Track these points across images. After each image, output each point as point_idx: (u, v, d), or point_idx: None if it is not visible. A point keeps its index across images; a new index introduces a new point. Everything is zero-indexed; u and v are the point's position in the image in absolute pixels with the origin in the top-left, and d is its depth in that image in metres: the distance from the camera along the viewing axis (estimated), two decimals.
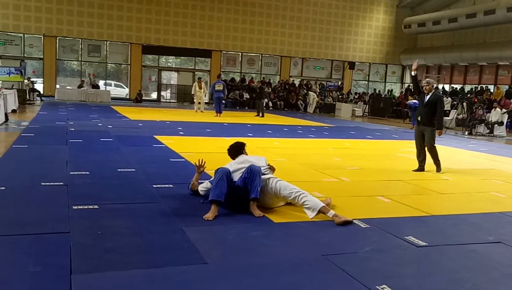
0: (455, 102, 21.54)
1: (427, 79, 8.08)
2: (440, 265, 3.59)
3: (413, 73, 8.04)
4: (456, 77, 27.89)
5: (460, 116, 19.21)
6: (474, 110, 17.59)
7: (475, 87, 25.30)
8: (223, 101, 19.54)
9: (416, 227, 4.57)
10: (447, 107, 21.29)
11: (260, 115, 19.07)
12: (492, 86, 24.65)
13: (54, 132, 10.20)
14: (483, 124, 17.23)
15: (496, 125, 17.07)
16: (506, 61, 23.18)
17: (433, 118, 7.73)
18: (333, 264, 3.46)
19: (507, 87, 24.03)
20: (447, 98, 22.34)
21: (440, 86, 27.17)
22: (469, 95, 22.88)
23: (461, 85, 26.94)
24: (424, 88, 7.84)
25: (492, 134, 16.91)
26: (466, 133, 16.85)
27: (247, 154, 5.40)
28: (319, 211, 4.53)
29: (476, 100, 18.75)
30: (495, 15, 21.82)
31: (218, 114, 17.83)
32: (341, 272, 3.32)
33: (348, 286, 3.12)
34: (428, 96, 7.75)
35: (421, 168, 7.90)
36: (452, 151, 11.33)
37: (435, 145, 7.85)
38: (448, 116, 19.61)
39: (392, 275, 3.32)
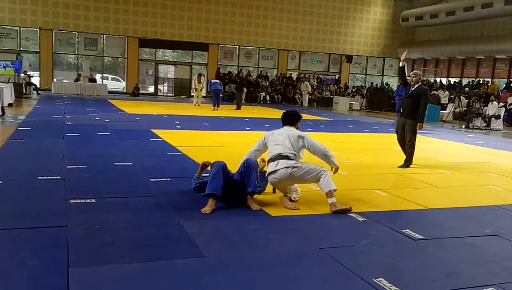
0: (452, 96, 21.57)
1: (415, 71, 7.78)
2: (437, 258, 3.61)
3: (401, 64, 7.78)
4: (453, 71, 27.91)
5: (457, 110, 19.22)
6: (471, 103, 17.62)
7: (472, 80, 25.33)
8: (220, 95, 19.67)
9: (413, 220, 4.59)
10: (444, 100, 21.34)
11: (236, 107, 19.10)
12: (489, 79, 24.69)
13: (51, 126, 10.17)
14: (480, 118, 17.26)
15: (493, 119, 17.11)
16: (503, 54, 23.20)
17: (416, 111, 7.38)
18: (331, 257, 3.47)
19: (503, 80, 24.06)
20: (444, 91, 22.36)
21: (438, 80, 27.19)
22: (466, 89, 22.89)
23: (458, 79, 26.95)
24: (410, 79, 7.58)
25: (489, 128, 16.94)
26: (463, 126, 16.88)
27: (296, 129, 5.12)
28: (327, 192, 4.69)
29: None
30: (492, 8, 21.80)
31: (216, 107, 17.89)
32: (339, 265, 3.33)
33: (345, 279, 3.13)
34: (413, 88, 7.47)
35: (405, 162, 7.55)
36: (449, 144, 11.35)
37: (415, 141, 7.51)
38: (445, 110, 19.65)
39: (389, 268, 3.33)
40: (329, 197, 4.69)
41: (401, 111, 7.71)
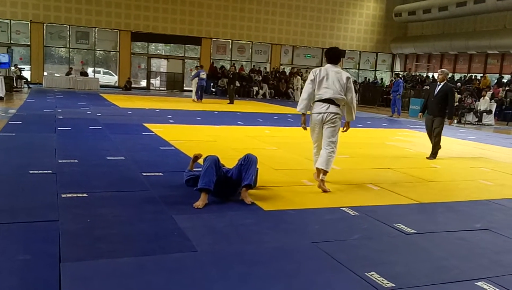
0: (426, 87, 21.64)
1: (442, 69, 8.31)
2: (428, 252, 3.63)
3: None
4: (445, 66, 27.96)
5: None
6: (463, 98, 17.71)
7: (465, 75, 25.45)
8: (213, 89, 19.96)
9: (405, 214, 4.61)
10: None
11: (229, 102, 19.14)
12: (481, 74, 24.82)
13: (42, 119, 10.09)
14: (471, 113, 17.36)
15: (484, 114, 17.21)
16: (495, 50, 23.32)
17: (444, 108, 8.00)
18: (323, 251, 3.48)
19: (495, 75, 24.19)
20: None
21: (430, 75, 27.29)
22: (458, 84, 23.00)
23: (451, 74, 27.08)
24: (437, 77, 8.17)
25: (481, 123, 17.05)
26: (455, 121, 16.97)
27: (339, 70, 5.47)
28: (318, 168, 5.33)
29: (464, 88, 18.86)
30: (485, 4, 21.88)
31: (199, 100, 18.78)
32: (331, 260, 3.34)
33: (338, 273, 3.14)
34: (439, 86, 8.01)
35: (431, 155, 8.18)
36: (441, 139, 11.39)
37: (441, 134, 8.14)
38: None
39: (381, 262, 3.34)
40: (323, 174, 5.29)
41: (429, 109, 8.24)
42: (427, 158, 8.09)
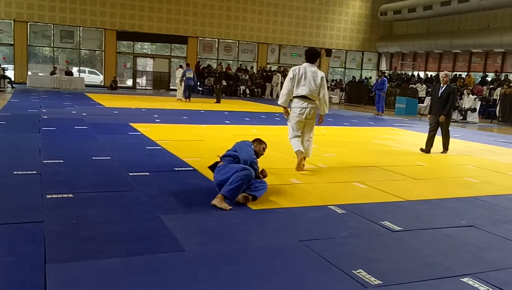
0: (429, 89, 21.84)
1: (445, 72, 9.19)
2: (414, 249, 3.66)
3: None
4: (430, 64, 28.28)
5: None
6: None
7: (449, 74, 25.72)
8: (200, 88, 19.84)
9: (391, 212, 4.64)
10: (422, 94, 21.64)
11: (216, 101, 19.13)
12: (466, 73, 25.09)
13: (26, 120, 9.97)
14: (456, 111, 17.53)
15: (469, 112, 17.40)
16: (479, 48, 23.59)
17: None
18: (311, 249, 3.49)
19: (479, 74, 24.48)
20: (422, 85, 22.65)
21: (416, 73, 27.52)
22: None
23: (435, 72, 27.33)
24: (442, 79, 8.86)
25: (465, 121, 17.24)
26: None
27: (316, 69, 6.12)
28: (302, 155, 6.13)
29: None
30: (469, 3, 22.12)
31: (187, 100, 18.66)
32: (318, 258, 3.35)
33: (325, 271, 3.15)
34: (443, 88, 8.69)
35: (427, 150, 8.78)
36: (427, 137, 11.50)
37: (449, 130, 8.96)
38: (423, 103, 19.90)
39: (368, 260, 3.36)
40: (304, 159, 6.15)
41: (433, 109, 8.91)
42: (442, 152, 8.80)
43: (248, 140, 5.02)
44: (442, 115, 8.65)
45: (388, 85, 19.86)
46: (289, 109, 6.31)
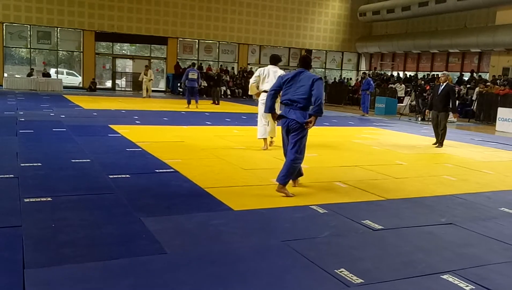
0: (408, 89, 22.12)
1: (444, 72, 10.14)
2: (395, 247, 3.70)
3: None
4: (409, 64, 28.63)
5: (414, 103, 19.75)
6: (426, 96, 18.12)
7: (427, 74, 26.07)
8: (180, 89, 19.59)
9: (372, 211, 4.68)
10: (401, 93, 21.90)
11: (216, 102, 19.02)
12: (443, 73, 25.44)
13: (3, 122, 9.77)
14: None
15: (428, 111, 17.60)
16: (456, 48, 23.96)
17: (446, 105, 9.51)
18: (293, 249, 3.50)
19: (456, 74, 24.87)
20: (401, 85, 22.92)
21: (395, 73, 27.83)
22: (422, 82, 23.55)
23: (414, 72, 27.69)
24: (440, 78, 9.73)
25: None
26: (419, 119, 17.36)
27: (277, 69, 7.79)
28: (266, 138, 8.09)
29: (428, 86, 19.31)
30: (446, 4, 22.46)
31: (189, 105, 16.51)
32: (301, 257, 3.36)
33: (308, 270, 3.16)
34: (442, 87, 9.47)
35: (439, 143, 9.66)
36: (406, 136, 11.66)
37: (446, 126, 9.70)
38: (402, 103, 20.15)
39: (350, 259, 3.39)
40: (272, 139, 8.21)
41: (433, 106, 9.75)
42: (435, 145, 9.65)
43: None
44: (453, 112, 9.77)
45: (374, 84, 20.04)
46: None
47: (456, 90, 18.39)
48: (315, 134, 11.40)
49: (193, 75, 16.76)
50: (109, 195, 4.71)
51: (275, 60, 8.05)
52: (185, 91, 17.53)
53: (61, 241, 3.41)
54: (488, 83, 19.37)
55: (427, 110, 10.30)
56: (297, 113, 5.01)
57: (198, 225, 3.96)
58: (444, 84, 9.47)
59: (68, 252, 3.22)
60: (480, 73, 23.53)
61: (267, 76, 7.80)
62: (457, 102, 9.90)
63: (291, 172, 5.04)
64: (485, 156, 8.97)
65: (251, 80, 8.09)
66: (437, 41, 24.66)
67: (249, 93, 8.53)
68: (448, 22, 25.26)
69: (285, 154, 5.29)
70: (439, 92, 9.50)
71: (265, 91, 7.47)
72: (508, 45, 20.39)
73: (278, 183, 4.99)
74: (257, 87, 7.97)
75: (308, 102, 5.00)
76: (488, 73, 22.59)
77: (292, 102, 5.02)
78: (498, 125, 15.01)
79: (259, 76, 7.94)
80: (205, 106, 17.82)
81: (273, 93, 5.22)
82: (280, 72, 7.65)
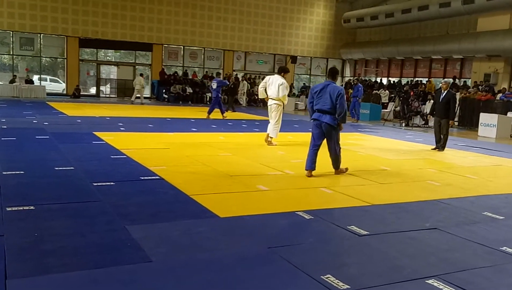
0: (392, 95, 22.34)
1: (445, 79, 10.68)
2: (381, 253, 3.71)
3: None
4: (393, 71, 28.93)
5: (398, 108, 19.94)
6: (410, 102, 18.33)
7: (411, 80, 26.36)
8: (165, 96, 19.42)
9: (358, 216, 4.71)
10: (385, 99, 22.10)
11: (232, 109, 19.50)
12: (426, 79, 25.78)
13: None
14: (418, 116, 17.98)
15: (430, 116, 17.83)
16: (439, 55, 24.28)
17: (449, 111, 9.91)
18: (279, 256, 3.49)
19: (439, 80, 25.17)
20: (385, 91, 23.14)
21: (379, 79, 28.10)
22: (405, 88, 23.81)
23: (398, 78, 27.98)
24: (441, 86, 10.16)
25: (428, 125, 17.67)
26: (403, 124, 17.53)
27: (279, 78, 9.61)
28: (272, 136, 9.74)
29: (412, 92, 19.53)
30: (428, 11, 22.77)
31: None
32: (287, 264, 3.36)
33: (294, 277, 3.16)
34: (444, 94, 9.92)
35: (438, 147, 10.14)
36: (390, 142, 11.76)
37: (449, 131, 10.18)
38: (386, 109, 20.32)
39: (336, 265, 3.39)
40: (269, 137, 9.68)
41: (435, 112, 10.27)
42: (436, 149, 10.08)
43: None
44: (449, 120, 9.96)
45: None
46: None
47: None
48: (301, 140, 11.46)
49: (214, 85, 15.83)
50: (93, 203, 4.66)
51: (280, 71, 9.79)
52: (170, 97, 17.67)
53: (45, 250, 3.36)
54: (470, 89, 19.65)
55: (429, 115, 10.76)
56: (327, 117, 6.49)
57: (184, 232, 3.93)
58: (446, 91, 9.90)
59: (52, 261, 3.17)
60: (463, 79, 23.87)
61: (272, 84, 9.60)
62: (455, 109, 10.38)
63: (339, 160, 6.88)
64: (468, 161, 9.08)
65: (260, 86, 9.99)
66: (420, 48, 24.97)
67: (259, 97, 10.61)
68: (431, 29, 25.61)
69: (311, 147, 6.78)
70: (441, 99, 9.93)
71: (270, 96, 9.77)
72: (489, 51, 20.73)
73: (335, 170, 6.85)
74: (265, 91, 9.82)
75: (335, 110, 6.43)
76: (470, 79, 22.93)
77: (323, 111, 6.51)
78: (480, 130, 15.21)
79: (265, 82, 9.78)
80: (191, 112, 17.76)
81: (311, 106, 6.72)
82: (282, 81, 9.50)
